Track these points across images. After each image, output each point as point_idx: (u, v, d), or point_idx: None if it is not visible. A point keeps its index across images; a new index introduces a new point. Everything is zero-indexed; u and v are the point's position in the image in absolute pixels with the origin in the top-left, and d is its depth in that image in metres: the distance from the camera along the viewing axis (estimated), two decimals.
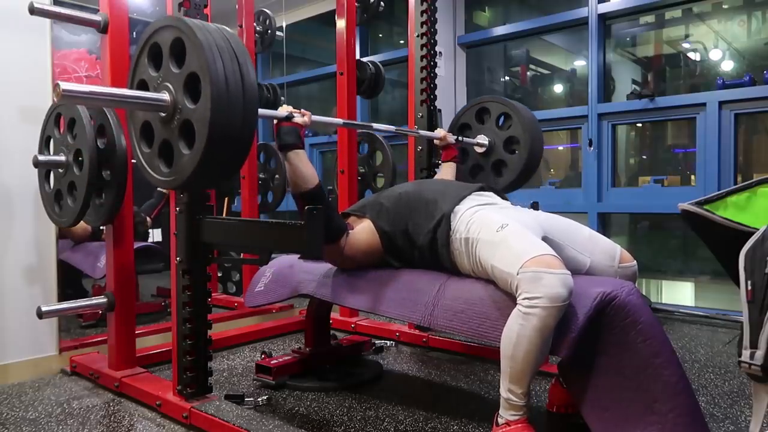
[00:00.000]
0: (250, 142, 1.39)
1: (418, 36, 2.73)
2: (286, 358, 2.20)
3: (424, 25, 2.72)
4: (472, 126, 2.61)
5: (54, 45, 2.45)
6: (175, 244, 1.81)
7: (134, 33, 4.55)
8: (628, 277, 1.65)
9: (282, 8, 4.31)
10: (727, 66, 3.60)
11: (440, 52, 4.04)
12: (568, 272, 1.34)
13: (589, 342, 1.41)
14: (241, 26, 3.39)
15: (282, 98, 3.88)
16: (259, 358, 2.21)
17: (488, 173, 2.57)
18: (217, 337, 2.22)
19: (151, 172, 1.46)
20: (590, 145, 3.71)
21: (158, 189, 3.52)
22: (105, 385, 2.12)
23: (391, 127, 2.33)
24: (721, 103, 3.26)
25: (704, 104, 3.32)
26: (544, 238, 1.56)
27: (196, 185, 1.47)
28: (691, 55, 3.80)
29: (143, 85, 1.46)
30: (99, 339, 2.45)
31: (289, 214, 4.41)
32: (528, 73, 4.56)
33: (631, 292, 1.43)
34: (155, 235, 3.81)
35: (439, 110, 2.95)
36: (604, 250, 1.68)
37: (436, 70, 2.78)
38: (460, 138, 2.44)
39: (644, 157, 4.12)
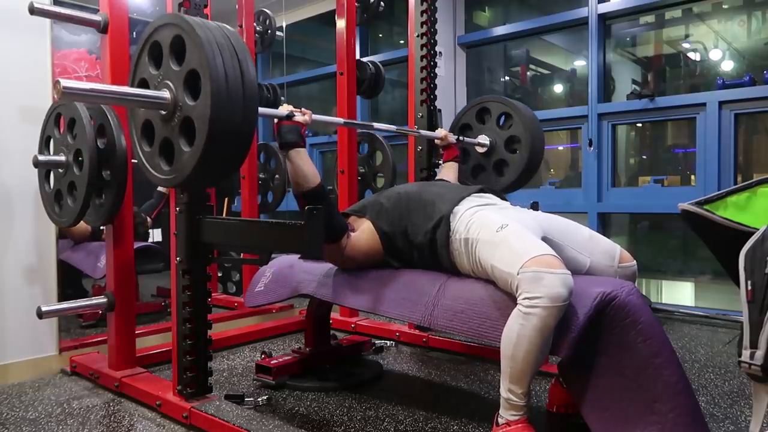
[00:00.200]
0: (251, 138, 1.39)
1: (418, 36, 2.73)
2: (286, 358, 2.20)
3: (424, 25, 2.72)
4: (473, 126, 2.61)
5: (54, 45, 2.45)
6: (175, 244, 1.81)
7: (134, 33, 4.55)
8: (627, 277, 1.65)
9: (282, 8, 4.31)
10: (727, 66, 3.60)
11: (440, 52, 4.04)
12: (569, 272, 1.34)
13: (589, 342, 1.41)
14: (241, 26, 3.39)
15: (282, 98, 3.89)
16: (259, 358, 2.21)
17: (490, 173, 2.57)
18: (217, 337, 2.22)
19: (152, 171, 1.46)
20: (590, 145, 3.71)
21: (158, 189, 3.53)
22: (105, 385, 2.12)
23: (392, 127, 2.33)
24: (721, 103, 3.26)
25: (704, 104, 3.32)
26: (544, 239, 1.56)
27: (196, 183, 1.47)
28: (691, 55, 3.80)
29: (144, 84, 1.46)
30: (99, 339, 2.45)
31: (289, 214, 4.41)
32: (528, 73, 4.56)
33: (631, 292, 1.43)
34: (155, 235, 3.81)
35: (439, 110, 2.95)
36: (604, 250, 1.68)
37: (436, 70, 2.78)
38: (461, 138, 2.44)
39: (644, 157, 4.12)
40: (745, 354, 1.09)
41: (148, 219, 3.52)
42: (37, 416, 1.87)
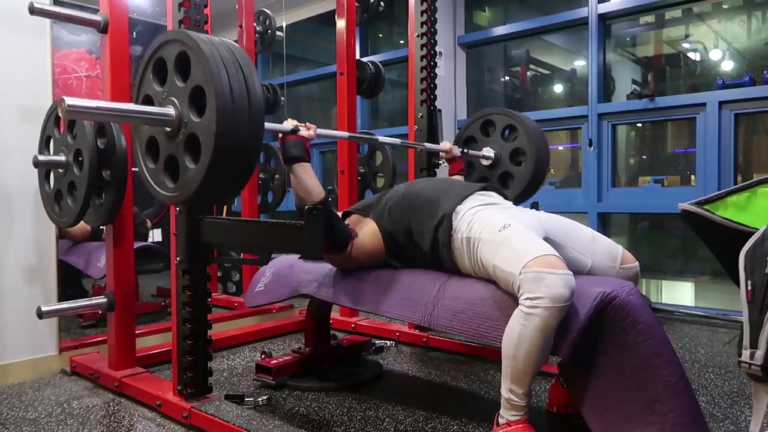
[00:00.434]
0: (257, 154, 1.38)
1: (418, 36, 2.73)
2: (286, 358, 2.20)
3: (424, 25, 2.72)
4: (478, 138, 2.59)
5: (54, 45, 2.45)
6: (175, 244, 1.81)
7: (134, 33, 4.56)
8: (629, 278, 1.65)
9: (282, 8, 4.31)
10: (727, 66, 3.60)
11: (440, 52, 4.04)
12: (570, 272, 1.34)
13: (590, 342, 1.41)
14: (241, 26, 3.39)
15: (282, 98, 3.89)
16: (259, 358, 2.21)
17: (495, 186, 2.56)
18: (217, 337, 2.22)
19: (157, 188, 1.44)
20: (590, 145, 3.71)
21: None
22: (105, 385, 2.12)
23: (397, 141, 2.35)
24: (721, 103, 3.27)
25: (704, 104, 3.32)
26: (546, 239, 1.55)
27: (202, 200, 1.44)
28: (691, 55, 3.80)
29: (148, 100, 1.44)
30: (99, 339, 2.45)
31: (289, 214, 4.41)
32: (528, 73, 4.56)
33: (631, 292, 1.43)
34: (155, 235, 3.81)
35: (439, 110, 2.95)
36: (606, 251, 1.67)
37: (436, 70, 2.78)
38: (465, 150, 2.43)
39: (644, 157, 4.12)
40: (745, 354, 1.09)
41: (148, 222, 3.52)
42: (37, 416, 1.87)
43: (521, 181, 2.47)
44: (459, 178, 2.37)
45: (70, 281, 3.13)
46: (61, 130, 2.07)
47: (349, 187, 2.92)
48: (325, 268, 1.89)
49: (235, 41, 3.54)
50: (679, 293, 3.96)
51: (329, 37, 3.73)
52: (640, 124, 3.97)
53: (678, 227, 3.82)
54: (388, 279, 1.72)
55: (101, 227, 2.67)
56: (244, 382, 2.20)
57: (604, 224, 3.78)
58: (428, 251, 1.67)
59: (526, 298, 1.33)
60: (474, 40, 4.45)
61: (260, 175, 3.54)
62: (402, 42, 4.85)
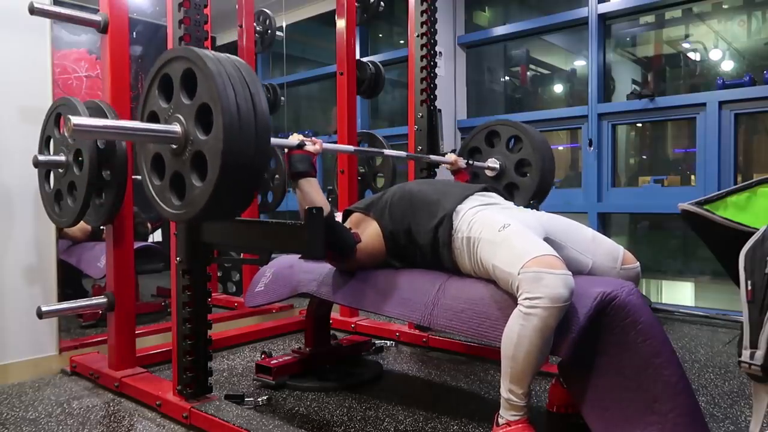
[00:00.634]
0: (264, 171, 1.37)
1: (418, 36, 2.73)
2: (286, 358, 2.20)
3: (424, 25, 2.72)
4: (482, 149, 2.59)
5: (54, 45, 2.45)
6: (175, 244, 1.81)
7: (134, 33, 4.56)
8: (630, 278, 1.65)
9: (282, 8, 4.31)
10: (727, 66, 3.60)
11: (440, 52, 4.04)
12: (570, 273, 1.34)
13: (590, 342, 1.42)
14: (241, 26, 3.39)
15: (282, 98, 3.89)
16: (259, 358, 2.21)
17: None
18: (217, 337, 2.22)
19: (163, 205, 1.43)
20: (590, 145, 3.71)
21: None
22: (105, 385, 2.12)
23: (402, 153, 2.36)
24: (721, 103, 3.27)
25: (704, 104, 3.32)
26: (546, 239, 1.56)
27: (208, 218, 1.43)
28: (691, 55, 3.80)
29: (154, 117, 1.44)
30: (99, 339, 2.45)
31: (289, 214, 4.41)
32: (528, 73, 4.56)
33: (631, 292, 1.43)
34: (155, 235, 3.82)
35: (439, 110, 2.95)
36: (607, 251, 1.67)
37: (436, 70, 2.78)
38: (470, 162, 2.43)
39: (644, 157, 4.12)
40: (745, 354, 1.09)
41: (149, 225, 3.52)
42: (37, 416, 1.87)
43: (527, 192, 2.46)
44: None
45: (70, 281, 3.13)
46: (61, 130, 2.07)
47: (349, 187, 2.92)
48: (325, 267, 1.89)
49: (235, 41, 3.55)
50: (679, 293, 3.96)
51: (329, 37, 3.73)
52: (640, 124, 3.97)
53: (678, 227, 3.82)
54: (388, 279, 1.72)
55: (101, 227, 2.67)
56: (244, 382, 2.20)
57: (604, 224, 3.78)
58: (428, 251, 1.68)
59: (525, 298, 1.33)
60: (474, 40, 4.45)
61: None
62: (402, 42, 4.85)
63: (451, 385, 2.17)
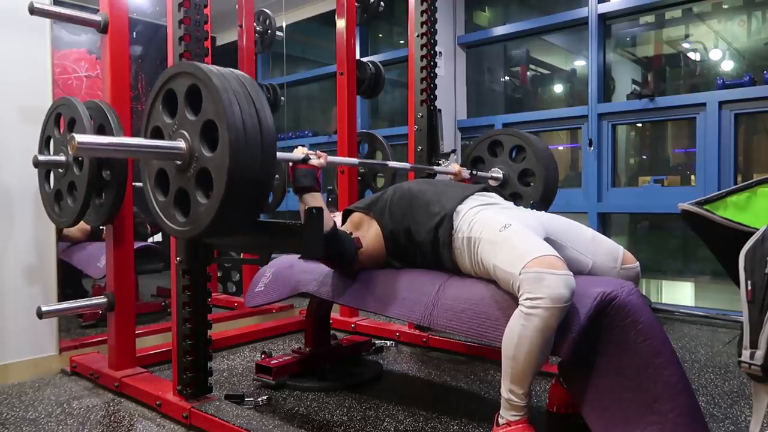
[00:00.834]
0: (270, 187, 1.36)
1: (418, 36, 2.73)
2: (286, 358, 2.20)
3: (424, 25, 2.72)
4: (485, 159, 2.59)
5: (54, 45, 2.45)
6: (175, 244, 1.81)
7: (134, 33, 4.56)
8: (630, 278, 1.65)
9: (282, 8, 4.31)
10: (727, 66, 3.60)
11: (440, 52, 4.04)
12: (570, 273, 1.34)
13: (590, 342, 1.42)
14: (241, 26, 3.39)
15: (282, 98, 3.89)
16: (259, 358, 2.21)
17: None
18: (217, 337, 2.22)
19: (167, 222, 1.42)
20: (590, 145, 3.71)
21: None
22: (105, 385, 2.12)
23: (407, 165, 2.37)
24: (721, 103, 3.26)
25: (704, 104, 3.32)
26: (547, 239, 1.55)
27: (214, 234, 1.42)
28: (691, 55, 3.80)
29: (158, 133, 1.43)
30: (99, 339, 2.45)
31: (289, 214, 4.41)
32: (528, 73, 4.56)
33: (631, 292, 1.43)
34: (155, 235, 3.81)
35: (439, 110, 2.95)
36: (607, 252, 1.67)
37: (436, 70, 2.78)
38: (474, 172, 2.43)
39: (644, 157, 4.12)
40: (745, 354, 1.09)
41: (149, 228, 3.52)
42: (37, 416, 1.87)
43: (530, 202, 2.46)
44: None
45: (70, 281, 3.13)
46: (61, 130, 2.07)
47: (349, 187, 2.92)
48: (326, 267, 1.89)
49: (235, 41, 3.55)
50: (679, 293, 3.96)
51: (329, 37, 3.73)
52: (640, 124, 3.97)
53: (678, 227, 3.82)
54: (388, 279, 1.72)
55: (101, 227, 2.67)
56: (244, 382, 2.20)
57: (604, 224, 3.78)
58: (428, 251, 1.68)
59: (526, 299, 1.33)
60: (474, 40, 4.45)
61: None
62: (402, 42, 4.85)
63: (451, 385, 2.17)
